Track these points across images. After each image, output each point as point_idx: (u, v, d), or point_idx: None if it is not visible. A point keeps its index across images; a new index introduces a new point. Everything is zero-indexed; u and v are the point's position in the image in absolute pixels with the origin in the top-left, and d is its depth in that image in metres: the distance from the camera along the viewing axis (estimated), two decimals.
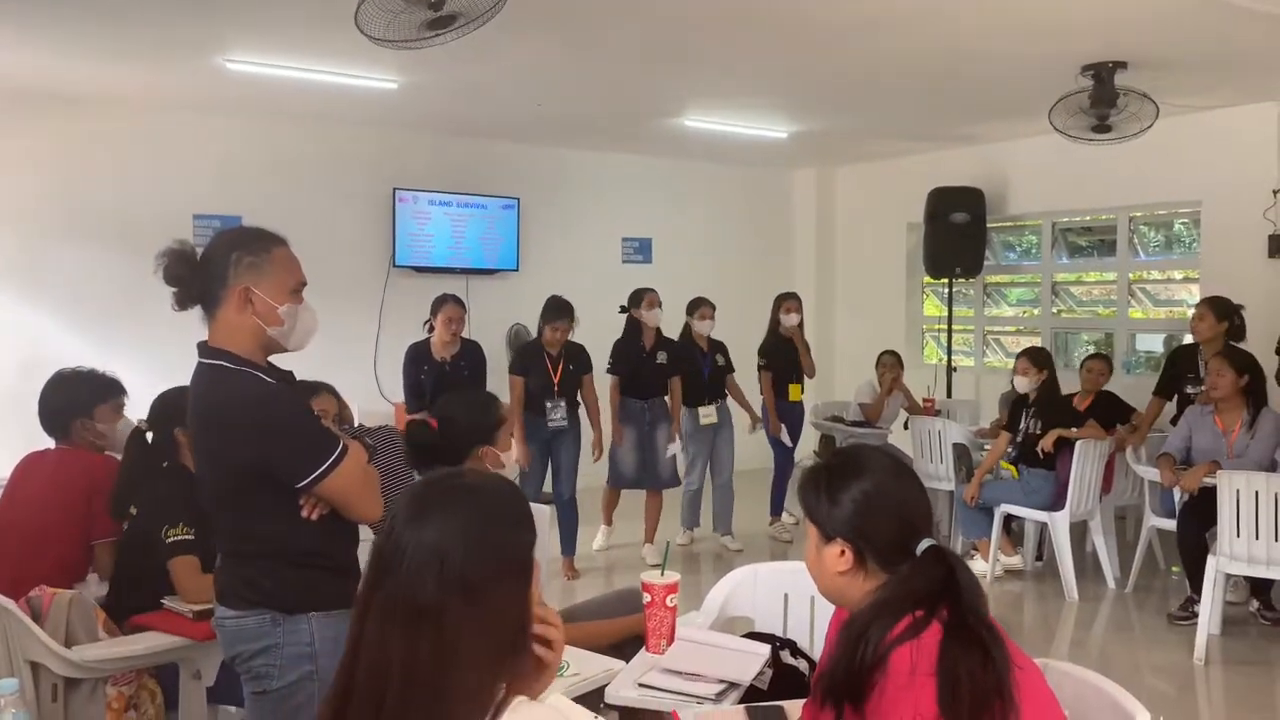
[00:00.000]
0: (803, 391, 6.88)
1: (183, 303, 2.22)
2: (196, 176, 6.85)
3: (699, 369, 6.40)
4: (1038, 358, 5.78)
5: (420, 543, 1.28)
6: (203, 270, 2.20)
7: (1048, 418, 5.61)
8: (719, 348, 6.55)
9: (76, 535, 3.19)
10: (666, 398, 6.30)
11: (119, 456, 3.42)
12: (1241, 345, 5.35)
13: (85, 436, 3.33)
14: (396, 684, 1.24)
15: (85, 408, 3.33)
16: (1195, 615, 4.76)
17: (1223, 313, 5.42)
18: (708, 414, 6.41)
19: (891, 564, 1.68)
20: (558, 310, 5.79)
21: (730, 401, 6.62)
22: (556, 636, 1.40)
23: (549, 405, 5.78)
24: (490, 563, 1.30)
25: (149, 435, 3.11)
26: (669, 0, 4.50)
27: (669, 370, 6.25)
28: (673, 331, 6.48)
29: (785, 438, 6.75)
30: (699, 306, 6.45)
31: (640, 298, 6.19)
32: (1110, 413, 5.79)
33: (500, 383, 5.99)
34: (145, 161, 6.71)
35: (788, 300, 6.78)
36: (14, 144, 6.33)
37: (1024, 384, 5.76)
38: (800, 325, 6.82)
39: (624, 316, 6.26)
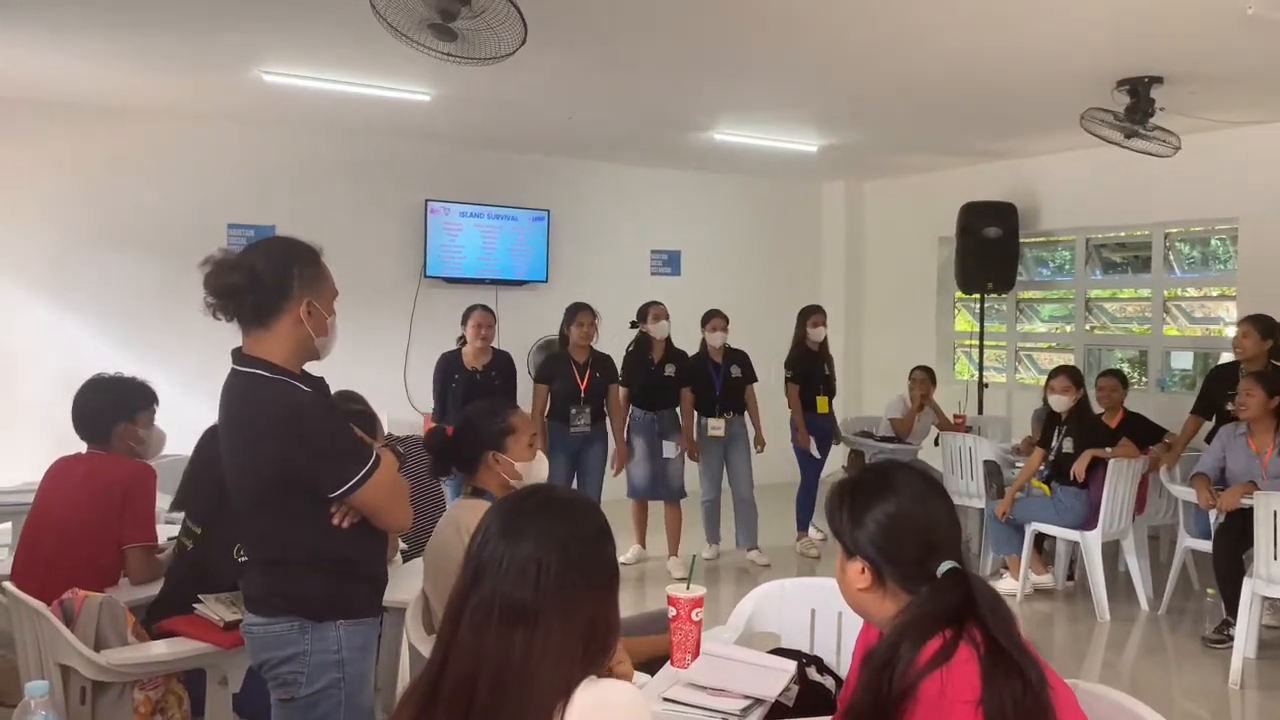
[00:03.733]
0: (830, 404, 6.83)
1: (229, 313, 2.19)
2: (231, 186, 6.94)
3: (710, 381, 6.38)
4: (1076, 376, 5.70)
5: (516, 552, 1.41)
6: (259, 282, 2.17)
7: (1079, 436, 5.53)
8: (737, 359, 6.48)
9: (109, 539, 3.20)
10: (678, 409, 6.30)
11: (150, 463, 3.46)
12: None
13: (126, 441, 3.35)
14: (488, 678, 1.36)
15: (129, 412, 3.35)
16: (1230, 638, 4.68)
17: (1267, 330, 5.35)
18: (715, 426, 6.35)
19: (912, 585, 1.66)
20: (577, 306, 5.89)
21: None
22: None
23: (574, 411, 5.80)
24: (584, 570, 1.44)
25: None
26: (700, 14, 4.51)
27: (678, 383, 6.24)
28: (697, 342, 6.47)
29: (814, 450, 6.70)
30: (711, 318, 6.41)
31: (646, 311, 6.19)
32: (1142, 432, 5.71)
33: (530, 393, 6.01)
34: (181, 171, 6.81)
35: (814, 314, 6.74)
36: (52, 153, 6.44)
37: (1061, 402, 5.59)
38: (826, 340, 6.78)
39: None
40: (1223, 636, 4.85)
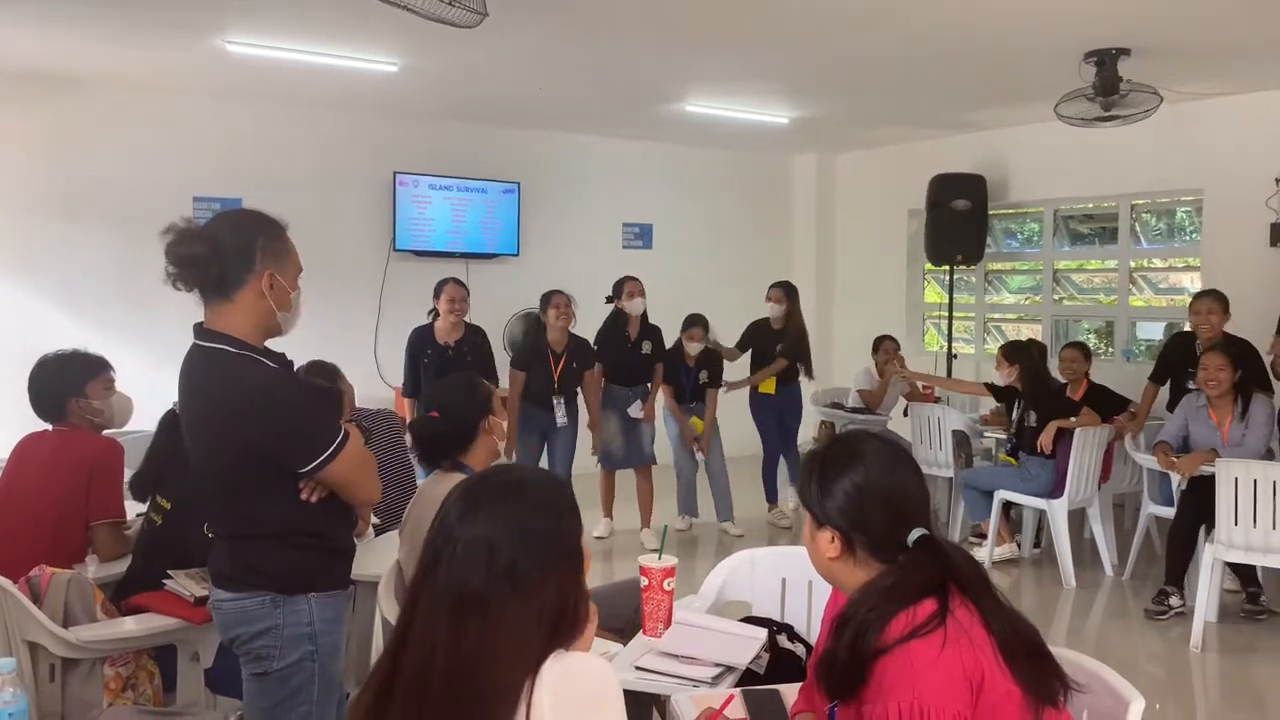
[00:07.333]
0: (779, 386, 6.77)
1: (190, 283, 2.16)
2: (197, 158, 6.83)
3: (681, 385, 6.40)
4: (1010, 354, 5.83)
5: (470, 535, 1.38)
6: (222, 252, 2.14)
7: (1041, 409, 5.60)
8: (707, 363, 6.44)
9: (76, 516, 3.19)
10: (650, 384, 6.32)
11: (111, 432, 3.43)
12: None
13: (83, 415, 3.33)
14: (441, 665, 1.33)
15: (77, 387, 3.32)
16: (1170, 608, 4.79)
17: (1227, 307, 5.42)
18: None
19: (882, 554, 1.67)
20: (551, 292, 5.85)
21: (724, 385, 6.57)
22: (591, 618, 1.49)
23: (554, 403, 5.80)
24: (538, 552, 1.39)
25: None
26: None
27: (653, 359, 6.26)
28: (670, 318, 6.45)
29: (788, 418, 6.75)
30: (689, 327, 6.33)
31: (621, 287, 6.16)
32: (1106, 403, 5.79)
33: (504, 369, 5.98)
34: (145, 143, 6.69)
35: (770, 289, 6.78)
36: (13, 124, 6.31)
37: (1000, 379, 5.90)
38: (788, 315, 6.72)
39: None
40: (1164, 607, 4.91)
